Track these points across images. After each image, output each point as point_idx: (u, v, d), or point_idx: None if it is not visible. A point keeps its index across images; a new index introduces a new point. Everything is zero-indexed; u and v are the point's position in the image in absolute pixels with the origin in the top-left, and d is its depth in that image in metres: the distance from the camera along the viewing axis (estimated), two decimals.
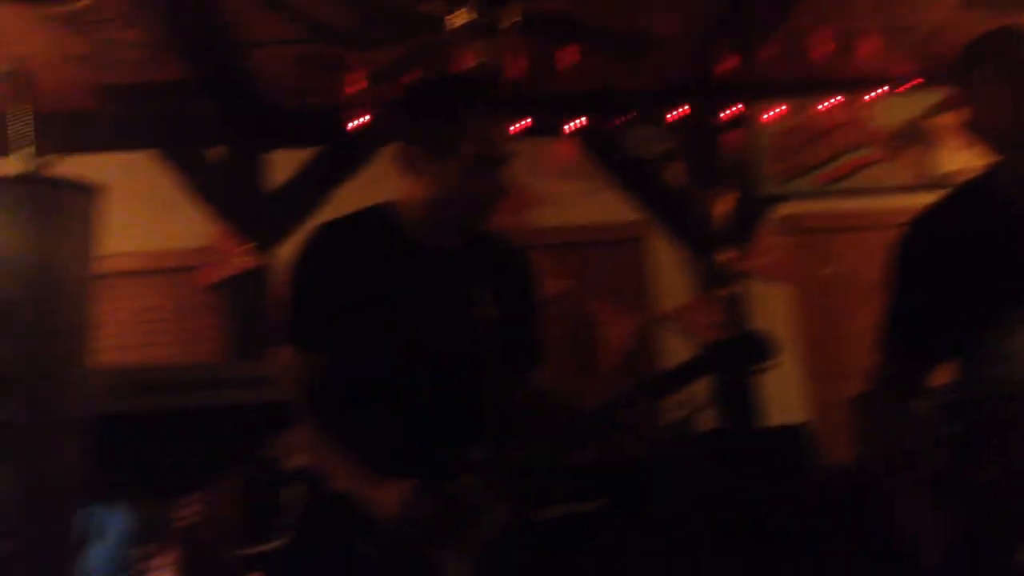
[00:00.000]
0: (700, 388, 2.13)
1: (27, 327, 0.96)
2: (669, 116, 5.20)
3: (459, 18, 3.26)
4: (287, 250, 5.00)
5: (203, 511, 4.69)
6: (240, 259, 4.99)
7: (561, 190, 5.18)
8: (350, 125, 4.96)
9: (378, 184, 5.03)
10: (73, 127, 4.56)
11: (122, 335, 4.77)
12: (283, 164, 5.14)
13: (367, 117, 4.93)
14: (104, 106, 4.77)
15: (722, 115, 5.25)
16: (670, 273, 5.29)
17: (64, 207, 0.94)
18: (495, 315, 2.09)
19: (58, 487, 1.02)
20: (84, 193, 0.95)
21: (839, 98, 5.31)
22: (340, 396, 2.08)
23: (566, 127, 5.14)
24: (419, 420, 2.08)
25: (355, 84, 4.60)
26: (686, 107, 5.18)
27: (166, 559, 4.09)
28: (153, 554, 4.10)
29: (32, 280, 0.95)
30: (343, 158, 5.12)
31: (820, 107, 5.33)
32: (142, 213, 4.65)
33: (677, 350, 4.92)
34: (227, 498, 4.78)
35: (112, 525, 3.95)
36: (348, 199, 4.99)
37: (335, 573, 2.03)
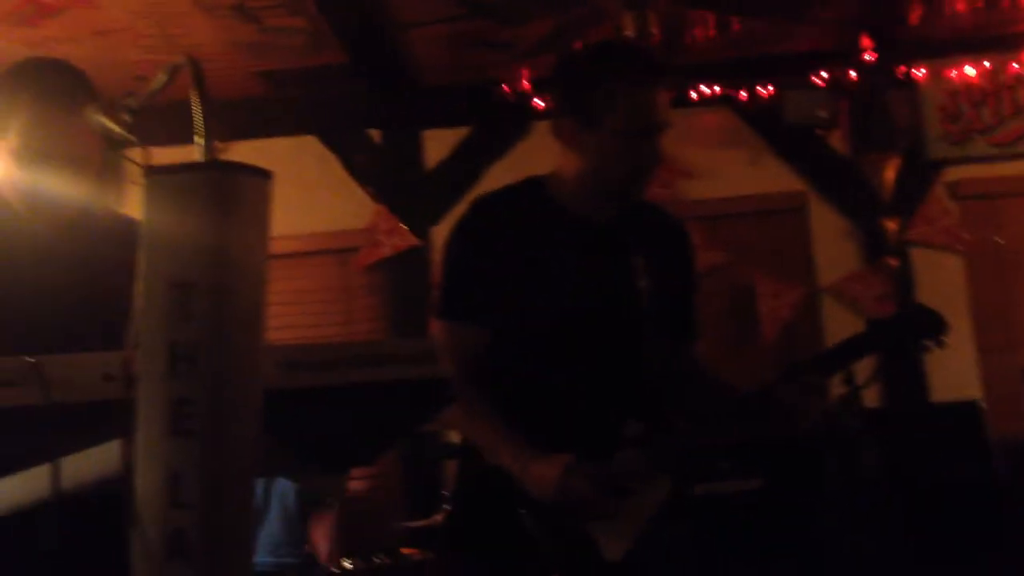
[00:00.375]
0: (865, 363, 2.07)
1: (207, 309, 0.99)
2: (830, 79, 5.01)
3: None
4: (444, 229, 5.07)
5: (366, 485, 4.84)
6: (399, 239, 5.09)
7: (717, 160, 5.08)
8: (503, 102, 4.98)
9: (532, 160, 5.01)
10: (237, 114, 4.73)
11: (286, 316, 4.93)
12: (438, 144, 5.21)
13: (519, 93, 4.94)
14: (266, 92, 4.94)
15: (887, 76, 5.02)
16: (833, 243, 5.10)
17: (240, 192, 0.98)
18: (653, 287, 2.07)
19: (236, 461, 1.06)
20: (259, 178, 0.98)
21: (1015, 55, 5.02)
22: (498, 368, 2.09)
23: (721, 95, 5.03)
24: (578, 393, 2.07)
25: (508, 60, 4.62)
26: (848, 69, 4.98)
27: (330, 530, 4.23)
28: (318, 526, 4.26)
29: (211, 264, 0.98)
30: (497, 135, 5.15)
31: (992, 65, 5.04)
32: (304, 196, 4.78)
33: (841, 323, 4.77)
34: (389, 473, 4.91)
35: (281, 497, 4.12)
36: (502, 176, 5.01)
37: (494, 547, 2.05)
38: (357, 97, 5.07)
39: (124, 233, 1.75)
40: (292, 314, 4.94)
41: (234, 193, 0.98)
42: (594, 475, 1.94)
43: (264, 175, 1.00)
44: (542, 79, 4.72)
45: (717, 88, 5.01)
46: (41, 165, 1.77)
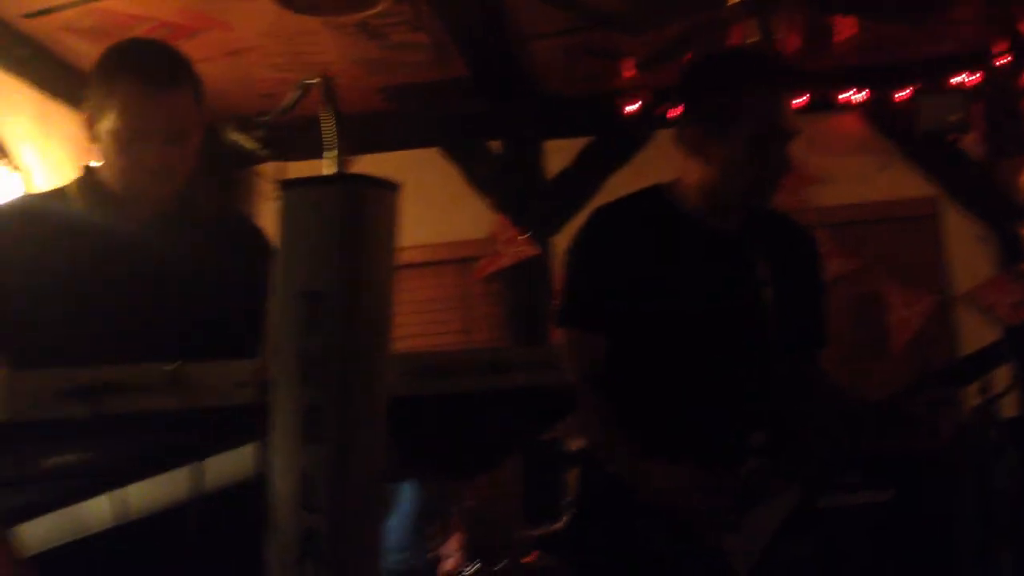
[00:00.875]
0: (1003, 372, 1.99)
1: (337, 318, 1.02)
2: (962, 83, 4.84)
3: None
4: (564, 238, 5.09)
5: (488, 492, 4.88)
6: (519, 248, 5.13)
7: (846, 166, 4.96)
8: (624, 111, 4.97)
9: (653, 168, 4.99)
10: (360, 128, 4.84)
11: (407, 325, 5.00)
12: (559, 154, 5.23)
13: (640, 102, 4.93)
14: (389, 107, 5.04)
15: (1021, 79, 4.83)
16: (967, 250, 4.92)
17: (370, 204, 1.00)
18: (778, 295, 2.03)
19: (365, 466, 1.09)
20: (388, 190, 1.00)
21: None
22: (620, 377, 2.07)
23: (850, 100, 4.91)
24: (703, 401, 2.04)
25: (629, 70, 4.61)
26: (980, 72, 4.81)
27: (452, 536, 4.28)
28: (440, 531, 4.31)
29: (341, 274, 1.01)
30: (617, 145, 5.14)
31: None
32: (425, 207, 4.85)
33: (976, 332, 4.60)
34: (510, 480, 4.94)
35: (404, 502, 4.19)
36: (623, 185, 4.99)
37: (617, 555, 2.05)
38: (478, 109, 5.13)
39: (246, 236, 1.79)
40: (412, 323, 5.00)
41: (364, 205, 1.00)
42: (718, 485, 1.92)
43: (392, 187, 1.03)
44: (664, 88, 4.69)
45: (847, 93, 4.90)
46: (140, 143, 1.74)
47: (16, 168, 3.96)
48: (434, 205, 5.00)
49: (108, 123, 1.75)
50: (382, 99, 4.95)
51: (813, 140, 4.74)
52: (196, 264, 1.77)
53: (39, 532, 1.27)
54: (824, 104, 4.85)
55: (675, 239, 2.09)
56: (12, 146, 3.95)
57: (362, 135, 5.17)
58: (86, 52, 4.16)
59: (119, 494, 1.16)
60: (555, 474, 4.73)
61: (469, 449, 1.45)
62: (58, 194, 1.87)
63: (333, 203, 0.99)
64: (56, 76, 4.23)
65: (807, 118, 4.62)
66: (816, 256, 2.23)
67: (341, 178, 1.02)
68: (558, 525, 4.20)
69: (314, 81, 1.13)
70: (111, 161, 1.79)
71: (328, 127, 1.06)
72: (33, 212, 1.86)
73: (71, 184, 1.87)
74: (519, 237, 5.13)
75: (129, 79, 1.75)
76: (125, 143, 1.75)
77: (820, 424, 2.12)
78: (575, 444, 4.03)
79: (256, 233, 1.91)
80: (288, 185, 1.01)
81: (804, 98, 4.65)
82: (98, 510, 1.21)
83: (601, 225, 2.13)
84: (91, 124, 1.80)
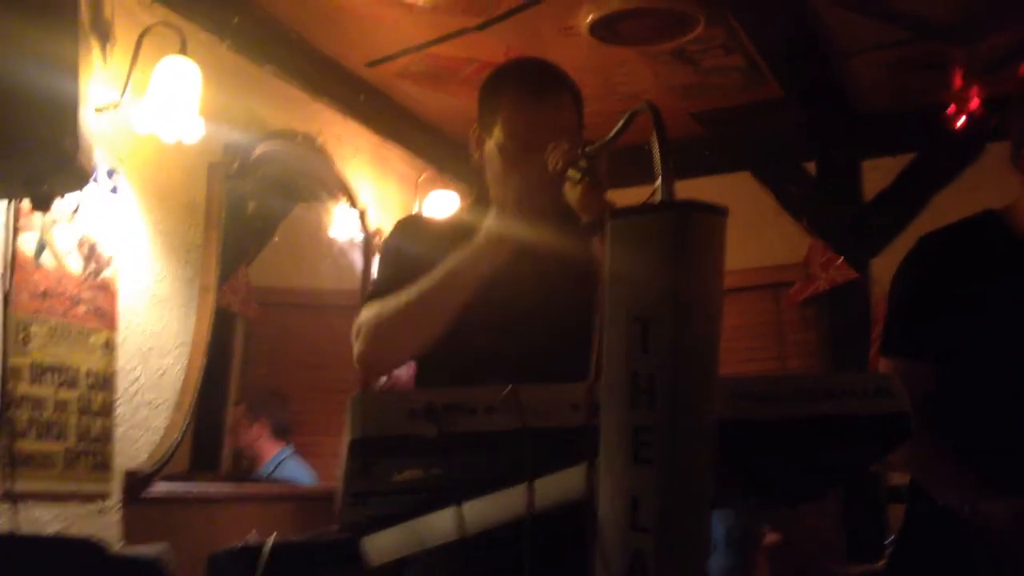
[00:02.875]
0: None
1: (666, 342, 1.03)
2: None
3: None
4: (885, 261, 4.86)
5: (808, 523, 4.71)
6: (836, 272, 4.95)
7: None
8: (950, 126, 4.68)
9: (982, 186, 4.71)
10: (674, 154, 4.86)
11: (722, 351, 4.93)
12: (878, 173, 5.00)
13: (968, 116, 4.62)
14: (700, 132, 5.03)
15: None
16: None
17: (697, 230, 1.01)
18: None
19: (692, 488, 1.09)
20: (715, 215, 1.01)
21: None
22: (952, 406, 1.98)
23: None
24: None
25: (956, 81, 4.34)
26: None
27: (758, 569, 4.17)
28: (752, 562, 4.21)
29: (670, 299, 1.02)
30: (942, 162, 4.85)
31: None
32: (737, 232, 4.76)
33: None
34: (830, 512, 4.75)
35: (719, 528, 4.13)
36: (949, 204, 4.72)
37: None
38: (790, 130, 5.02)
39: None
40: (725, 349, 4.86)
41: (692, 231, 1.02)
42: None
43: (720, 212, 1.03)
44: (997, 97, 4.38)
45: None
46: (524, 156, 1.78)
47: (355, 205, 4.31)
48: (746, 229, 4.93)
49: (496, 139, 1.85)
50: (693, 125, 4.95)
51: None
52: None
53: (386, 543, 1.38)
54: None
55: (1010, 264, 1.97)
56: (353, 185, 4.31)
57: (675, 160, 5.20)
58: (416, 95, 4.48)
59: (459, 510, 1.23)
60: (878, 510, 4.51)
61: (795, 476, 1.42)
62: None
63: (664, 230, 1.01)
64: (391, 119, 4.58)
65: None
66: None
67: (671, 205, 1.03)
68: (879, 564, 4.00)
69: (641, 108, 1.16)
70: (496, 176, 1.88)
71: (657, 153, 1.08)
72: (423, 218, 2.00)
73: (462, 206, 2.03)
74: (835, 260, 4.95)
75: (511, 94, 1.85)
76: (512, 157, 1.81)
77: None
78: (898, 479, 3.84)
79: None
80: (619, 214, 1.04)
81: None
82: (441, 525, 1.30)
83: (930, 251, 2.05)
84: (479, 143, 1.92)
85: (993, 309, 1.97)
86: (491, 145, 1.87)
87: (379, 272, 1.97)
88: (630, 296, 1.05)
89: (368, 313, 1.82)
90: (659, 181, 1.06)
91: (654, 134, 1.09)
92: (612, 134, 1.35)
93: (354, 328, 1.85)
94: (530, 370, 1.32)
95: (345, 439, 1.13)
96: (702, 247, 1.03)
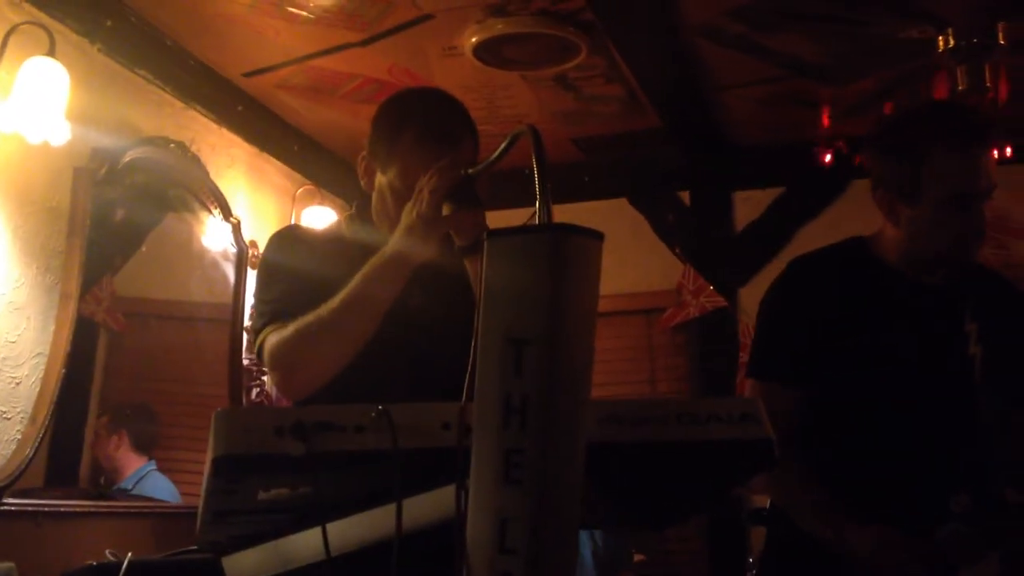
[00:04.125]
0: None
1: (540, 364, 1.04)
2: None
3: (941, 44, 3.08)
4: (752, 290, 5.01)
5: (671, 546, 4.79)
6: (706, 300, 5.07)
7: None
8: (817, 162, 4.86)
9: (848, 220, 4.86)
10: (554, 177, 4.91)
11: (594, 373, 5.00)
12: (749, 204, 5.16)
13: (834, 153, 4.80)
14: (580, 157, 5.10)
15: None
16: None
17: (574, 252, 1.02)
18: (988, 354, 1.94)
19: (562, 511, 1.09)
20: (592, 239, 1.02)
21: None
22: (816, 431, 2.02)
23: None
24: (901, 460, 1.97)
25: (825, 120, 4.51)
26: None
27: None
28: None
29: (545, 321, 1.03)
30: (810, 196, 5.03)
31: None
32: (613, 257, 4.85)
33: None
34: (692, 536, 4.85)
35: (585, 547, 4.17)
36: (815, 236, 4.89)
37: None
38: (668, 160, 5.14)
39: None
40: (597, 372, 4.87)
41: (569, 253, 1.02)
42: (914, 547, 1.83)
43: (596, 236, 1.04)
44: (861, 138, 4.57)
45: None
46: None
47: (228, 218, 4.22)
48: (622, 255, 5.02)
49: (388, 178, 1.83)
50: (575, 149, 5.02)
51: (1017, 190, 4.50)
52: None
53: (248, 564, 1.34)
54: None
55: (876, 291, 2.03)
56: (228, 196, 4.22)
57: (554, 184, 5.26)
58: (296, 107, 4.42)
59: (325, 530, 1.20)
60: (740, 532, 4.62)
61: (662, 499, 1.44)
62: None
63: (540, 252, 1.01)
64: (269, 131, 4.51)
65: (1014, 168, 4.42)
66: None
67: (548, 227, 1.04)
68: None
69: (522, 131, 1.16)
70: (386, 211, 1.86)
71: (538, 176, 1.08)
72: (302, 229, 1.95)
73: (339, 220, 2.00)
74: (706, 288, 5.07)
75: (414, 137, 1.81)
76: (402, 200, 1.77)
77: None
78: (761, 501, 3.94)
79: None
80: (495, 234, 1.04)
81: (1008, 149, 4.42)
82: (306, 545, 1.27)
83: (799, 276, 2.10)
84: (369, 173, 1.89)
85: (856, 333, 2.01)
86: (383, 181, 1.85)
87: (266, 290, 1.88)
88: (505, 317, 1.05)
89: (275, 339, 1.76)
90: (537, 203, 1.07)
91: (534, 157, 1.10)
92: (494, 156, 1.35)
93: (266, 356, 1.79)
94: (418, 389, 1.31)
95: (209, 455, 1.10)
96: (577, 270, 1.04)
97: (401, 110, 1.89)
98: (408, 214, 1.67)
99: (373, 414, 1.14)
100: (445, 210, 1.61)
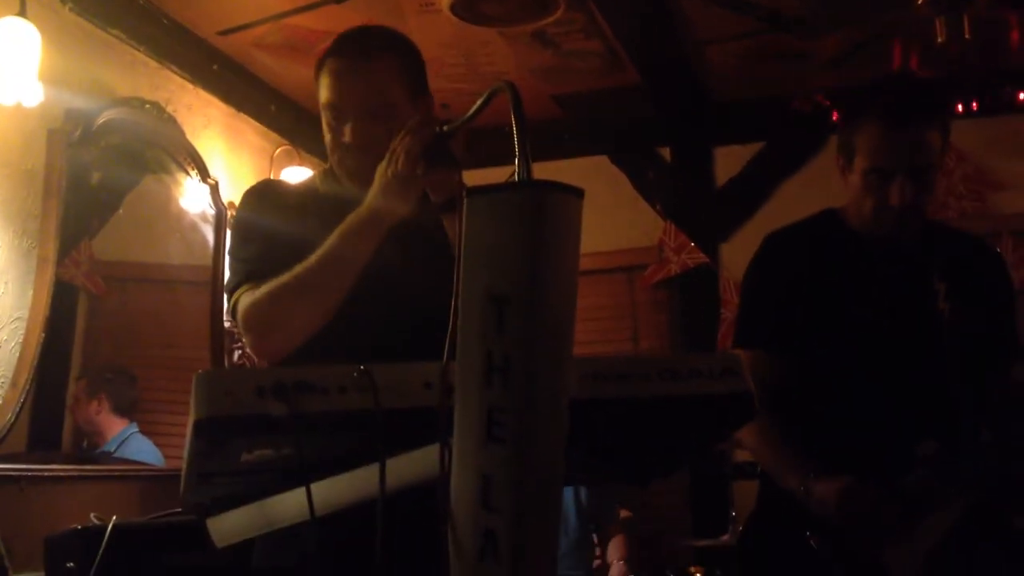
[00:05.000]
0: None
1: (521, 322, 1.03)
2: None
3: None
4: (734, 246, 5.02)
5: (654, 502, 4.84)
6: (688, 256, 5.08)
7: None
8: (798, 115, 4.86)
9: (827, 175, 4.87)
10: (534, 135, 4.87)
11: (577, 331, 4.99)
12: (729, 160, 5.15)
13: (816, 105, 4.80)
14: (560, 115, 5.07)
15: None
16: None
17: (554, 210, 1.02)
18: (956, 310, 2.00)
19: (545, 468, 1.10)
20: (572, 195, 1.01)
21: None
22: (794, 393, 2.10)
23: None
24: (872, 413, 2.04)
25: (804, 74, 4.50)
26: None
27: (613, 545, 4.26)
28: (605, 536, 4.30)
29: (526, 278, 1.02)
30: (791, 150, 5.03)
31: None
32: (594, 215, 4.81)
33: None
34: (676, 490, 4.89)
35: (570, 505, 4.20)
36: (795, 191, 4.90)
37: (783, 569, 2.05)
38: (648, 116, 5.12)
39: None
40: (580, 330, 4.83)
41: (549, 210, 1.01)
42: (880, 495, 1.90)
43: (576, 193, 1.03)
44: (838, 91, 4.57)
45: None
46: (339, 120, 1.79)
47: (206, 179, 4.18)
48: (602, 212, 5.00)
49: (321, 103, 1.81)
50: (554, 107, 4.99)
51: (998, 142, 4.52)
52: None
53: (233, 524, 1.34)
54: (1008, 106, 4.60)
55: (846, 258, 2.14)
56: (205, 157, 4.18)
57: (534, 142, 5.22)
58: (272, 67, 4.37)
59: (309, 490, 1.21)
60: (722, 486, 4.67)
61: (646, 454, 1.45)
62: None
63: (521, 209, 1.00)
64: (245, 90, 4.46)
65: (992, 120, 4.42)
66: (1000, 270, 2.20)
67: (528, 184, 1.03)
68: (724, 538, 4.14)
69: (500, 87, 1.15)
70: (334, 150, 1.84)
71: (516, 133, 1.07)
72: (276, 184, 1.91)
73: (314, 175, 1.97)
74: (687, 244, 5.08)
75: (331, 58, 1.80)
76: (331, 120, 1.79)
77: (1002, 437, 2.06)
78: (744, 456, 3.98)
79: None
80: (475, 192, 1.03)
81: (975, 102, 4.43)
82: (290, 505, 1.27)
83: (775, 248, 2.20)
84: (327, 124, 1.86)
85: (829, 297, 2.11)
86: (323, 117, 1.84)
87: (241, 249, 1.85)
88: (486, 275, 1.05)
89: (249, 299, 1.74)
90: (516, 161, 1.06)
91: (512, 113, 1.09)
92: (470, 113, 1.34)
93: (239, 317, 1.76)
94: (396, 347, 1.31)
95: (191, 418, 1.09)
96: (559, 227, 1.03)
97: (331, 45, 1.87)
98: (383, 174, 1.63)
99: (355, 374, 1.13)
100: (420, 169, 1.59)
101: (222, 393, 1.09)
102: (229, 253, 1.95)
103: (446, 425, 1.10)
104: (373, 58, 1.81)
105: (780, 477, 2.06)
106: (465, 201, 1.04)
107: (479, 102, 1.27)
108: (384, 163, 1.64)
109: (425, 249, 1.74)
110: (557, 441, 1.09)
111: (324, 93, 1.81)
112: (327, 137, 1.86)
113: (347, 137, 1.79)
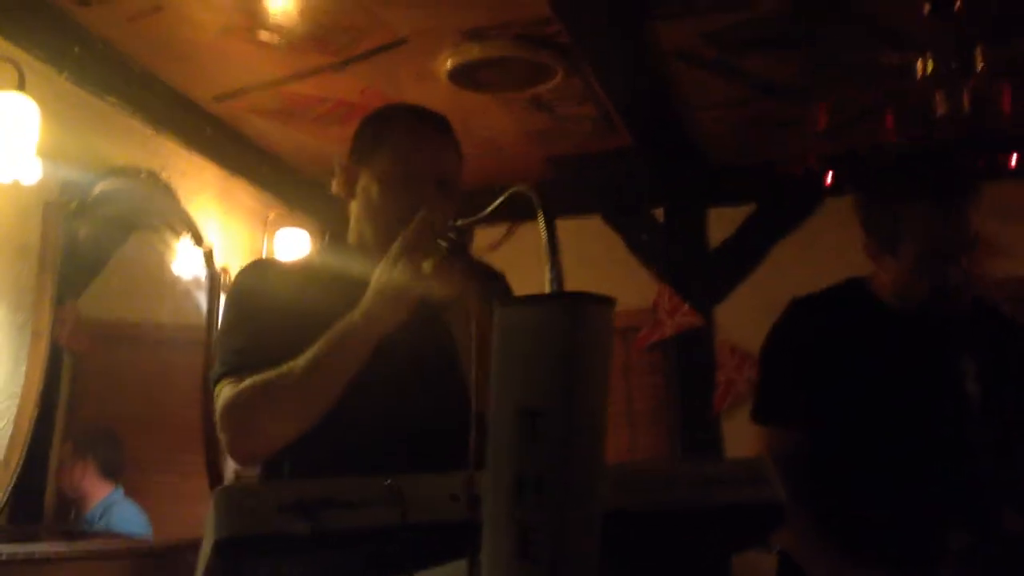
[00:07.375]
0: None
1: (553, 436, 1.01)
2: None
3: (920, 69, 3.09)
4: (728, 307, 5.00)
5: None
6: (682, 318, 5.06)
7: None
8: (791, 178, 4.87)
9: (821, 237, 4.90)
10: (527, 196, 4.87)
11: None
12: (724, 221, 5.15)
13: (808, 168, 4.81)
14: (554, 176, 5.08)
15: None
16: None
17: (586, 321, 0.99)
18: (986, 391, 1.94)
19: None
20: (604, 306, 0.99)
21: None
22: (821, 475, 2.02)
23: None
24: (901, 500, 1.97)
25: (799, 139, 4.52)
26: None
27: None
28: None
29: (558, 391, 1.00)
30: (784, 212, 5.04)
31: None
32: (587, 275, 4.80)
33: None
34: None
35: None
36: (789, 253, 4.90)
37: None
38: (641, 178, 5.12)
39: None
40: None
41: (583, 323, 0.99)
42: None
43: (609, 303, 1.01)
44: (830, 155, 4.58)
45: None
46: (409, 187, 1.69)
47: (200, 243, 4.15)
48: (596, 273, 4.96)
49: (376, 169, 1.74)
50: (547, 168, 5.00)
51: (996, 207, 4.51)
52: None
53: None
54: (996, 172, 4.60)
55: (874, 330, 2.04)
56: (199, 221, 4.15)
57: (528, 203, 5.24)
58: (267, 131, 4.36)
59: None
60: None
61: (675, 565, 1.41)
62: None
63: (555, 322, 0.98)
64: (239, 154, 4.44)
65: (988, 185, 4.42)
66: None
67: (559, 296, 1.00)
68: None
69: (523, 189, 1.13)
70: (370, 212, 1.75)
71: (545, 241, 1.05)
72: (270, 265, 1.84)
73: (312, 250, 1.90)
74: (682, 306, 5.06)
75: (405, 126, 1.75)
76: (393, 188, 1.70)
77: None
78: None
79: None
80: (506, 304, 1.00)
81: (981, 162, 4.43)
82: None
83: (799, 317, 2.10)
84: (350, 177, 1.78)
85: (855, 373, 2.03)
86: (368, 177, 1.75)
87: (229, 336, 1.73)
88: (518, 388, 1.02)
89: (228, 394, 1.61)
90: (548, 270, 1.03)
91: (540, 218, 1.07)
92: (485, 212, 1.31)
93: (217, 414, 1.65)
94: (404, 447, 1.26)
95: (207, 538, 1.05)
96: (592, 338, 1.00)
97: (388, 111, 1.83)
98: (382, 274, 1.55)
99: (382, 487, 1.10)
100: (427, 266, 1.52)
101: (243, 511, 1.05)
102: (217, 336, 1.85)
103: (474, 540, 1.06)
104: (450, 132, 1.78)
105: (809, 564, 1.99)
106: (496, 313, 1.02)
107: (496, 202, 1.25)
108: (384, 263, 1.55)
109: (431, 338, 1.66)
110: (591, 555, 1.06)
111: (389, 156, 1.73)
112: (360, 205, 1.78)
113: (410, 206, 1.63)
